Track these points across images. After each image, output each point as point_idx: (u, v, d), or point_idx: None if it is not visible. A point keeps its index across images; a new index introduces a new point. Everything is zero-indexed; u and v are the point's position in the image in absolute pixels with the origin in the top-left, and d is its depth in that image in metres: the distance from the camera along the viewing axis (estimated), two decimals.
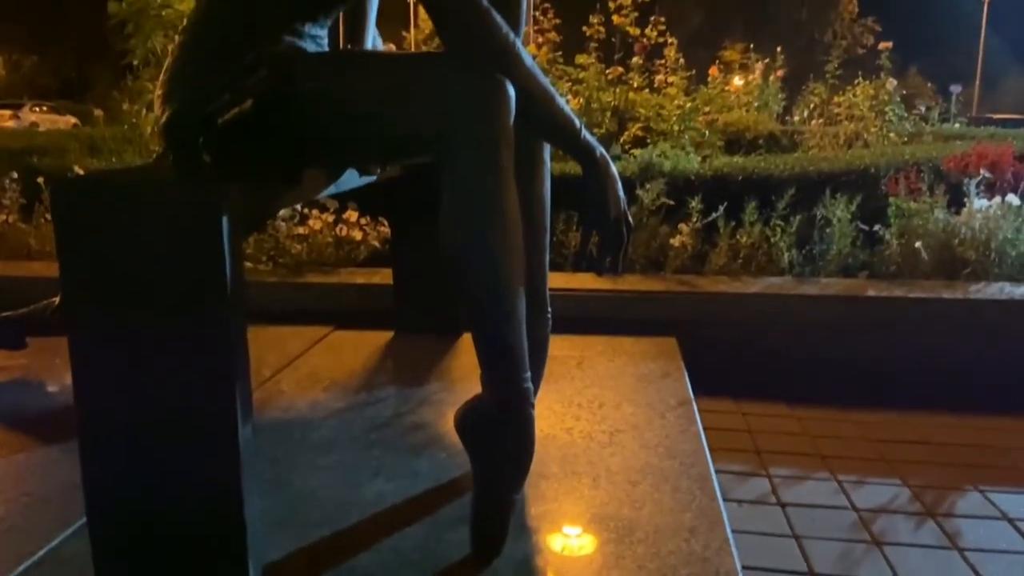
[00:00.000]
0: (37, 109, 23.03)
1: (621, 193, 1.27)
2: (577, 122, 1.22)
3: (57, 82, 29.72)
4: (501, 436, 1.15)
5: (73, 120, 21.24)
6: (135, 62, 4.44)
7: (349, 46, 1.51)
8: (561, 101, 1.19)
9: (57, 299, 1.85)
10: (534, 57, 4.83)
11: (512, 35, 1.12)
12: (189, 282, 1.01)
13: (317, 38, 1.26)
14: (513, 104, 1.09)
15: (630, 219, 1.29)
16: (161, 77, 1.21)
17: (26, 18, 27.64)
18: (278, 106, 1.12)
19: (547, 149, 1.47)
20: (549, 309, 1.51)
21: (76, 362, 1.10)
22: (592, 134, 1.25)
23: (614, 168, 1.25)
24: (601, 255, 1.28)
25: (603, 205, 1.24)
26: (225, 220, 0.94)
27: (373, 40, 1.69)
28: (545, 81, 1.17)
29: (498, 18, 1.11)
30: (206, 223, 0.94)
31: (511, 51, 1.12)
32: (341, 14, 1.46)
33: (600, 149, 1.24)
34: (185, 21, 1.26)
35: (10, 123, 20.03)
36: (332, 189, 1.40)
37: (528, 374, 1.17)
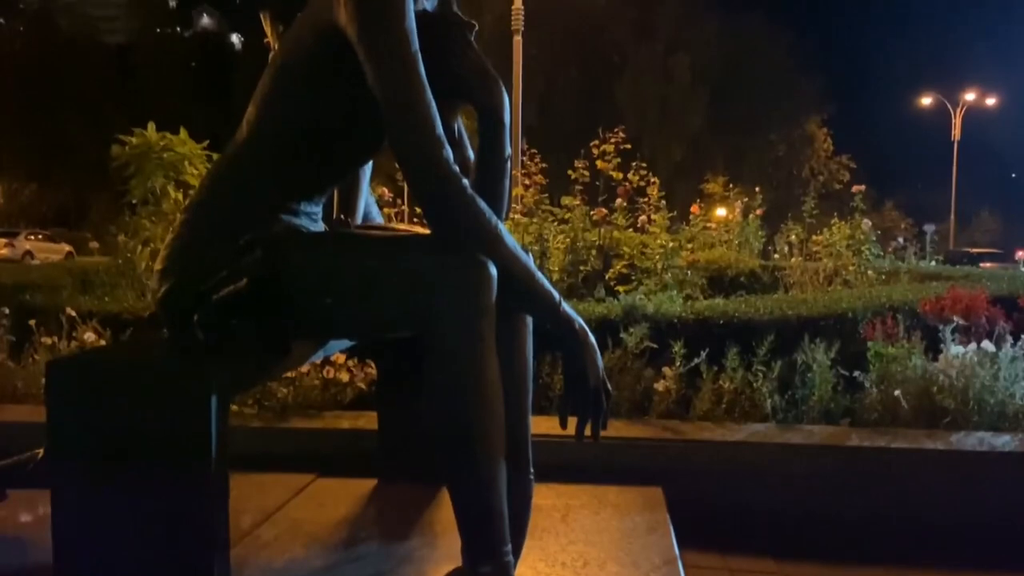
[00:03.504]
0: (32, 237, 23.29)
1: (600, 362, 1.31)
2: (556, 296, 1.27)
3: (53, 210, 30.28)
4: None
5: (68, 248, 21.55)
6: (134, 200, 4.58)
7: (343, 215, 1.58)
8: (540, 277, 1.26)
9: (40, 452, 1.84)
10: (520, 198, 5.05)
11: (495, 219, 1.19)
12: (175, 456, 1.03)
13: (312, 215, 1.33)
14: (495, 284, 1.14)
15: (608, 387, 1.33)
16: (161, 253, 1.26)
17: (26, 148, 28.47)
18: (272, 285, 1.17)
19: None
20: (532, 469, 1.52)
21: (57, 520, 1.11)
22: (571, 307, 1.30)
23: (592, 338, 1.30)
24: (581, 422, 1.31)
25: (583, 374, 1.28)
26: (214, 401, 0.97)
27: (366, 202, 1.78)
28: (526, 259, 1.23)
29: (482, 204, 1.18)
30: (196, 408, 0.97)
31: (494, 235, 1.18)
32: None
33: (579, 321, 1.29)
34: (187, 201, 1.33)
35: (4, 251, 20.23)
36: (320, 354, 1.44)
37: (509, 547, 1.17)
